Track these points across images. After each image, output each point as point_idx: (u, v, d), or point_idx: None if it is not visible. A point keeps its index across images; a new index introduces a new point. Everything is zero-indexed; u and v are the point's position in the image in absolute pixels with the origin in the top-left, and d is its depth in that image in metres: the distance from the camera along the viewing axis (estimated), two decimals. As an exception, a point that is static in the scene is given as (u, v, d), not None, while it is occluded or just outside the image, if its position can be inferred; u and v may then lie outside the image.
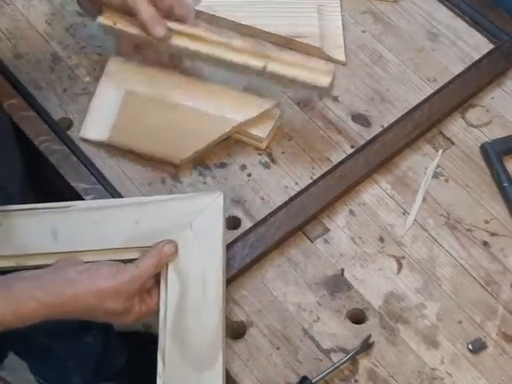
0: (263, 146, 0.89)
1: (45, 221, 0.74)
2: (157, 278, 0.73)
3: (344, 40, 0.98)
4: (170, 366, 0.69)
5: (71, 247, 0.73)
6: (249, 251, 0.80)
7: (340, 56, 0.97)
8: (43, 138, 0.88)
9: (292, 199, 0.84)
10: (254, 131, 0.88)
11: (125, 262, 0.71)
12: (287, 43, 0.97)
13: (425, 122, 0.90)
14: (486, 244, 0.83)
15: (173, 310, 0.71)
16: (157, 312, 0.72)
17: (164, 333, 0.70)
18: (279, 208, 0.83)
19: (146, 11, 0.81)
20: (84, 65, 0.95)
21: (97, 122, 0.88)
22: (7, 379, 1.08)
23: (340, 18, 1.00)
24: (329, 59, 0.96)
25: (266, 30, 0.97)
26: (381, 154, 0.88)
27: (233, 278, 0.79)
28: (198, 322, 0.70)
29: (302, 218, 0.83)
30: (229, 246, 0.80)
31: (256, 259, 0.80)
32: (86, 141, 0.88)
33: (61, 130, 0.89)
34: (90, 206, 0.75)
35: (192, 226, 0.73)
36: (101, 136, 0.87)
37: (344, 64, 0.97)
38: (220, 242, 0.73)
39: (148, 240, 0.72)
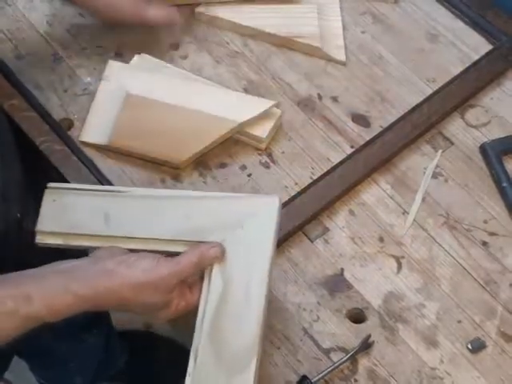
0: (263, 146, 0.89)
1: (98, 202, 0.73)
2: (201, 274, 0.71)
3: (344, 40, 0.98)
4: (202, 365, 0.67)
5: (121, 232, 0.72)
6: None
7: (340, 56, 0.97)
8: (44, 139, 0.88)
9: (292, 199, 0.84)
10: (254, 132, 0.88)
11: (172, 254, 0.69)
12: (287, 43, 0.98)
13: (424, 123, 0.90)
14: (485, 244, 0.83)
15: (212, 310, 0.69)
16: (195, 310, 0.70)
17: (200, 332, 0.68)
18: (282, 207, 0.83)
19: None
20: (85, 65, 0.95)
21: (97, 126, 0.88)
22: (8, 379, 1.08)
23: (340, 18, 1.00)
24: (329, 59, 0.97)
25: (267, 30, 0.98)
26: (380, 155, 0.88)
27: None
28: (236, 326, 0.68)
29: (303, 218, 0.83)
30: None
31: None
32: (86, 144, 0.89)
33: (62, 130, 0.90)
34: (143, 193, 0.74)
35: (244, 228, 0.70)
36: (101, 139, 0.88)
37: (344, 64, 0.97)
38: (270, 248, 0.69)
39: (197, 235, 0.71)
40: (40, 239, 0.73)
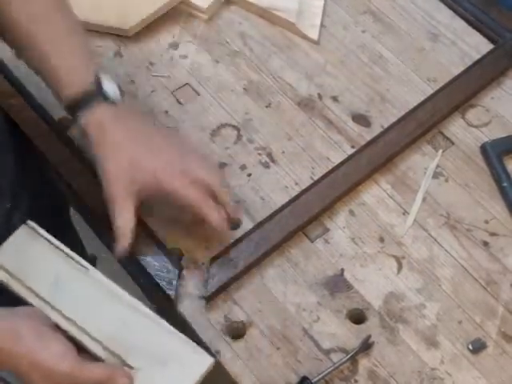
0: (205, 17, 0.95)
1: (58, 265, 0.72)
2: None
3: (344, 39, 0.98)
4: None
5: (59, 305, 0.70)
6: (253, 251, 0.80)
7: (313, 34, 0.99)
8: (43, 139, 0.88)
9: (294, 199, 0.84)
10: (196, 1, 0.95)
11: (89, 353, 0.68)
12: (264, 14, 1.00)
13: (425, 122, 0.90)
14: (485, 244, 0.83)
15: None
16: None
17: None
18: (282, 207, 0.83)
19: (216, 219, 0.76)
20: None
21: None
22: (7, 379, 1.08)
23: None
24: (302, 36, 0.99)
25: None
26: (382, 155, 0.88)
27: (236, 277, 0.79)
28: None
29: (305, 218, 0.83)
30: (232, 246, 0.80)
31: (258, 259, 0.80)
32: None
33: (61, 130, 0.89)
34: (100, 280, 0.72)
35: (165, 368, 0.68)
36: None
37: (316, 43, 0.98)
38: None
39: (120, 348, 0.68)
40: None
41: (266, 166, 0.88)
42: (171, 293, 0.76)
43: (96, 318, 0.70)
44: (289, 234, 0.82)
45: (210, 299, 0.77)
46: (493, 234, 0.84)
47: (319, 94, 0.94)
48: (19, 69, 0.94)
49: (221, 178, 0.80)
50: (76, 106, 0.75)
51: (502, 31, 0.98)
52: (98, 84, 0.75)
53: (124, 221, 0.74)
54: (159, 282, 0.78)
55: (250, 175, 0.87)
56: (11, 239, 0.73)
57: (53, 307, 0.70)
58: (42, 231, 0.74)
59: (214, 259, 0.79)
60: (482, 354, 0.76)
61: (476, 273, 0.81)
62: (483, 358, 0.76)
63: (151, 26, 0.99)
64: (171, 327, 0.71)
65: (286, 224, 0.82)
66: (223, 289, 0.78)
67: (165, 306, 0.79)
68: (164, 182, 0.74)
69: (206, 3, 0.98)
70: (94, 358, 0.68)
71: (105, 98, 0.75)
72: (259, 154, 0.89)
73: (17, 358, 0.64)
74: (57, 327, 0.68)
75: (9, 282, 0.71)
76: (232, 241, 0.81)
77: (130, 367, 0.68)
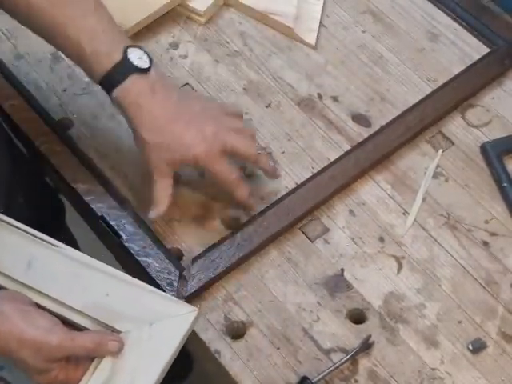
0: (203, 20, 0.97)
1: (27, 247, 0.72)
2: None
3: (344, 40, 0.98)
4: None
5: (37, 285, 0.70)
6: (246, 245, 0.80)
7: (310, 39, 0.98)
8: (44, 139, 0.88)
9: (290, 193, 0.85)
10: (194, 4, 0.95)
11: (75, 326, 0.69)
12: (262, 19, 0.99)
13: (424, 121, 0.90)
14: (485, 244, 0.83)
15: None
16: None
17: None
18: (277, 201, 0.84)
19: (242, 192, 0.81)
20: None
21: None
22: (7, 379, 1.08)
23: (321, 2, 1.01)
24: (300, 41, 0.98)
25: (244, 2, 0.99)
26: (380, 151, 0.87)
27: (240, 262, 0.80)
28: None
29: (299, 213, 0.83)
30: (214, 246, 0.81)
31: (252, 252, 0.81)
32: None
33: (61, 130, 0.89)
34: (72, 255, 0.73)
35: (151, 327, 0.69)
36: None
37: (314, 48, 0.98)
38: (168, 356, 0.68)
39: (106, 317, 0.69)
40: None
41: (266, 166, 0.88)
42: (172, 294, 0.76)
43: (75, 290, 0.70)
44: (285, 228, 0.82)
45: (189, 300, 0.77)
46: (493, 234, 0.84)
47: (319, 94, 0.94)
48: (19, 69, 0.94)
49: (255, 145, 0.83)
50: (108, 82, 0.75)
51: (495, 38, 0.98)
52: (126, 57, 0.75)
53: (163, 186, 0.78)
54: (160, 283, 0.78)
55: (249, 175, 0.87)
56: None
57: (30, 287, 0.70)
58: (16, 222, 0.74)
59: (195, 259, 0.80)
60: (481, 354, 0.76)
61: (476, 273, 0.81)
62: (483, 358, 0.76)
63: (151, 26, 0.99)
64: (151, 287, 0.72)
65: (282, 219, 0.82)
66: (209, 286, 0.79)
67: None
68: (204, 164, 0.77)
69: (203, 6, 0.98)
70: (81, 330, 0.69)
71: (136, 69, 0.75)
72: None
73: (5, 338, 0.64)
74: (39, 306, 0.69)
75: None
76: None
77: (118, 331, 0.69)
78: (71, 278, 0.71)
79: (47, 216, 1.07)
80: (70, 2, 0.75)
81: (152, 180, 0.78)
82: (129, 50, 0.75)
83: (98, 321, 0.69)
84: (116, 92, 0.75)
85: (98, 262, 0.73)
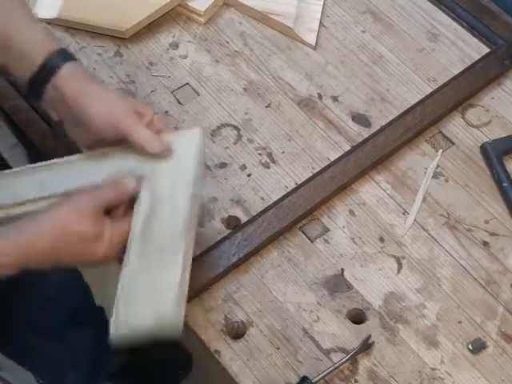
0: (203, 20, 0.97)
1: (35, 176, 0.76)
2: (128, 208, 0.72)
3: (344, 40, 0.98)
4: (132, 265, 0.69)
5: (55, 192, 0.74)
6: (248, 243, 0.80)
7: (310, 39, 0.98)
8: (44, 139, 0.88)
9: (290, 193, 0.84)
10: (194, 4, 0.96)
11: None
12: (262, 19, 1.00)
13: (424, 122, 0.90)
14: (485, 244, 0.83)
15: (141, 223, 0.70)
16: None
17: (130, 243, 0.70)
18: (277, 201, 0.84)
19: (143, 135, 0.75)
20: (84, 65, 0.95)
21: (47, 2, 0.99)
22: (7, 379, 1.08)
23: (321, 2, 1.02)
24: (300, 41, 0.99)
25: (245, 3, 1.00)
26: (380, 151, 0.88)
27: (240, 262, 0.80)
28: (164, 230, 0.70)
29: (298, 213, 0.83)
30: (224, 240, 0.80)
31: (252, 252, 0.81)
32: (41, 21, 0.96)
33: (61, 130, 0.89)
34: (69, 159, 0.77)
35: (167, 160, 0.73)
36: (52, 13, 0.97)
37: (313, 48, 0.98)
38: (193, 164, 0.72)
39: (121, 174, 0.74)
40: None
41: (266, 166, 0.88)
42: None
43: (96, 172, 0.74)
44: (286, 227, 0.82)
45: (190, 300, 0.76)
46: (493, 234, 0.84)
47: (319, 94, 0.94)
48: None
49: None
50: (45, 70, 0.74)
51: (495, 38, 0.98)
52: (61, 48, 0.75)
53: (144, 130, 0.75)
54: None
55: (250, 175, 0.87)
56: None
57: (49, 197, 0.74)
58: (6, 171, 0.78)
59: (195, 259, 0.79)
60: (481, 354, 0.76)
61: (476, 273, 0.81)
62: (483, 358, 0.76)
63: (151, 26, 0.99)
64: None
65: (282, 219, 0.82)
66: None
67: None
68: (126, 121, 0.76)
69: (203, 6, 0.98)
70: None
71: (71, 56, 0.75)
72: (259, 154, 0.89)
73: (45, 231, 0.66)
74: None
75: (6, 214, 0.74)
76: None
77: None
78: (85, 168, 0.76)
79: None
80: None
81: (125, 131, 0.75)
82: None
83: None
84: (56, 75, 0.74)
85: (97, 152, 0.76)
